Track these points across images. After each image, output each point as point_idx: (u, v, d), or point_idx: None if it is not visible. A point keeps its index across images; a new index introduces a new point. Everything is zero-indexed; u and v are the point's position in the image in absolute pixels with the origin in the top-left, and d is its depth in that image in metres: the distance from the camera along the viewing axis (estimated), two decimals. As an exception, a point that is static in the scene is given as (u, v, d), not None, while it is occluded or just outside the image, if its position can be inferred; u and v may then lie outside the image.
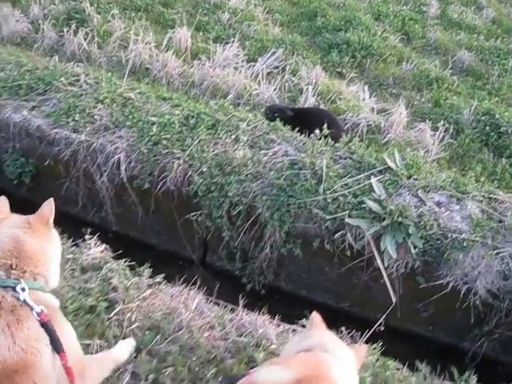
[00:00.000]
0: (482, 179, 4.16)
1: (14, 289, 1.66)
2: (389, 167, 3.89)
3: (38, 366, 1.58)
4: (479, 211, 3.70)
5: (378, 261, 3.42)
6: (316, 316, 2.04)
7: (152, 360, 2.28)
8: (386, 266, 3.50)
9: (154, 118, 4.02)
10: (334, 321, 2.70)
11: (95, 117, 4.08)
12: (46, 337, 1.62)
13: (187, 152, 3.83)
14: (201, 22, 6.08)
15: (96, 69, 4.94)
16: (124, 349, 2.26)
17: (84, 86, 4.38)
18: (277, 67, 5.36)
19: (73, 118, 4.07)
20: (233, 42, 5.62)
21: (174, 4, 6.49)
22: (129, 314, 2.56)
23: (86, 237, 3.05)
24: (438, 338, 3.94)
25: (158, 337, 2.43)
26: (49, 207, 1.92)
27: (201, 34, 5.90)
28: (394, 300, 3.36)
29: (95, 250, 3.01)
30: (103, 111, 4.13)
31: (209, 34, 5.92)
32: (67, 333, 1.77)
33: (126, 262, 2.92)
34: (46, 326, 1.63)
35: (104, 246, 3.05)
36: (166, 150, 3.84)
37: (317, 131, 4.10)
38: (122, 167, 3.87)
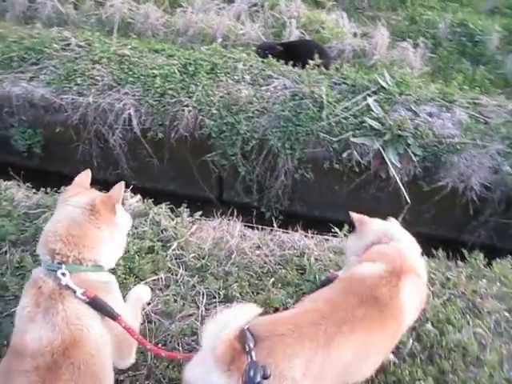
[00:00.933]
0: (465, 87, 4.50)
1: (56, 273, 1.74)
2: (381, 86, 4.19)
3: (87, 340, 1.68)
4: (467, 116, 4.07)
5: (391, 168, 3.77)
6: (356, 214, 2.30)
7: (218, 281, 2.63)
8: (392, 175, 3.89)
9: (154, 71, 4.17)
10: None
11: (96, 78, 4.21)
12: (90, 312, 1.73)
13: (194, 98, 4.03)
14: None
15: (81, 30, 4.96)
16: (143, 295, 2.33)
17: (76, 49, 4.45)
18: (256, 4, 5.45)
19: (75, 82, 4.19)
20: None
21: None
22: (183, 249, 2.88)
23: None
24: (441, 234, 4.41)
25: (215, 262, 2.78)
26: (118, 191, 1.94)
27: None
28: (408, 201, 3.75)
29: (132, 200, 3.27)
30: (103, 71, 4.25)
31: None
32: (117, 301, 1.89)
33: (166, 206, 3.21)
34: (94, 302, 1.74)
35: (138, 196, 3.32)
36: (174, 99, 4.04)
37: (310, 62, 4.34)
38: (134, 122, 4.06)
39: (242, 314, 1.64)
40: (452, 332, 2.43)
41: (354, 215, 2.30)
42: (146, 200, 3.24)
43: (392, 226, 2.23)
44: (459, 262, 3.01)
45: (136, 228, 2.99)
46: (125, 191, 3.26)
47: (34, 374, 1.56)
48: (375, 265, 1.95)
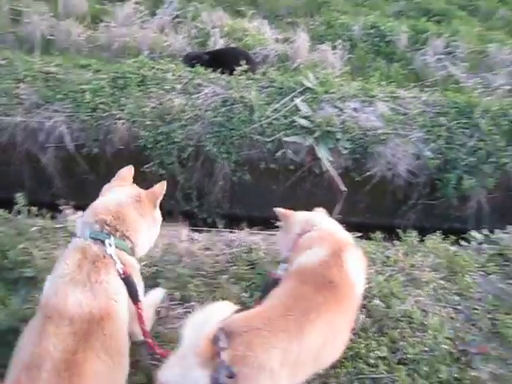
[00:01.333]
0: (383, 83, 4.84)
1: (103, 242, 1.85)
2: (307, 87, 4.41)
3: (119, 313, 1.78)
4: (387, 109, 4.38)
5: (324, 163, 3.98)
6: (280, 209, 2.44)
7: (172, 283, 2.66)
8: (325, 169, 4.10)
9: (83, 86, 4.13)
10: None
11: (22, 96, 4.10)
12: (123, 289, 1.84)
13: (126, 111, 4.04)
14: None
15: (-1, 49, 4.80)
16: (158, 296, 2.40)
17: (-3, 68, 4.31)
18: (178, 16, 5.53)
19: (-1, 101, 4.05)
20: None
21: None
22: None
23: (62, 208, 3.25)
24: (374, 222, 4.68)
25: (168, 267, 2.80)
26: (160, 188, 2.15)
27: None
28: (344, 189, 3.97)
29: (75, 217, 3.21)
30: (28, 90, 4.15)
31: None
32: (141, 289, 2.00)
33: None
34: (127, 280, 1.85)
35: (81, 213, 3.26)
36: (106, 113, 4.02)
37: (237, 68, 4.49)
38: (67, 139, 4.00)
39: (220, 311, 1.72)
40: (397, 304, 2.63)
41: (278, 210, 2.46)
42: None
43: (313, 215, 2.40)
44: (396, 242, 3.25)
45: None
46: (66, 208, 3.27)
47: (70, 338, 1.61)
48: (314, 251, 2.09)
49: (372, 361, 2.36)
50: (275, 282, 2.16)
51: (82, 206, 3.61)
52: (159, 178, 4.22)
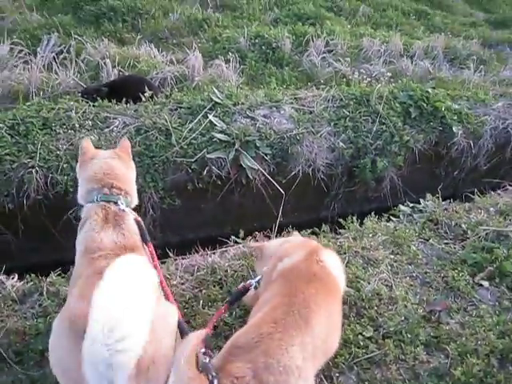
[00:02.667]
0: (280, 88, 5.08)
1: (115, 202, 2.19)
2: (216, 102, 4.47)
3: (140, 247, 2.16)
4: (294, 111, 4.61)
5: (249, 173, 4.08)
6: (254, 244, 2.60)
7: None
8: (252, 178, 4.20)
9: (-20, 139, 3.76)
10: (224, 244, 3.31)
11: None
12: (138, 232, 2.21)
13: (37, 158, 3.76)
14: None
15: None
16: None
17: None
18: (61, 52, 5.28)
19: None
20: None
21: None
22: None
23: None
24: (303, 219, 4.90)
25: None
26: (126, 141, 2.58)
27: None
28: (283, 192, 4.09)
29: (9, 283, 2.94)
30: None
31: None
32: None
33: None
34: (139, 225, 2.23)
35: (15, 276, 3.00)
36: (15, 164, 3.70)
37: (140, 95, 4.41)
38: (-27, 199, 3.61)
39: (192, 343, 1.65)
40: (365, 286, 2.80)
41: (253, 245, 2.61)
42: (27, 276, 2.95)
43: (285, 239, 2.54)
44: (341, 231, 3.45)
45: (33, 308, 2.72)
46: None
47: (114, 257, 1.80)
48: (292, 256, 2.18)
49: (361, 343, 2.49)
50: (246, 290, 2.31)
51: (8, 269, 3.39)
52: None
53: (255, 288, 2.31)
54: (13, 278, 2.97)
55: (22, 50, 5.11)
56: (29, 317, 2.66)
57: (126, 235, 2.11)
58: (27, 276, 2.98)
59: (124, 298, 1.54)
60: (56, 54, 5.18)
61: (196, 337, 1.67)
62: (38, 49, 5.23)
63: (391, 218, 3.78)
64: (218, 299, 2.74)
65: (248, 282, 2.35)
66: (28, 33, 5.53)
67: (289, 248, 2.27)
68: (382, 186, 4.70)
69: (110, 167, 2.31)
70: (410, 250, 3.22)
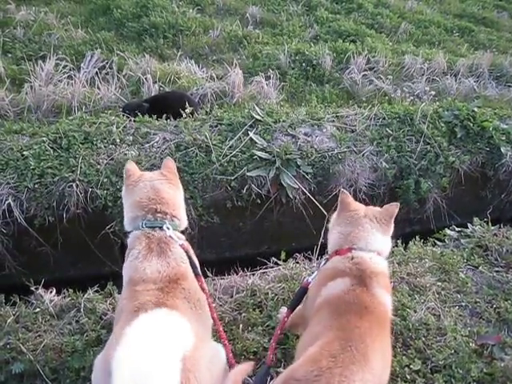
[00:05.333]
0: (321, 105, 5.00)
1: (160, 228, 2.13)
2: (256, 120, 4.43)
3: (189, 273, 2.08)
4: (336, 129, 4.52)
5: (289, 191, 4.01)
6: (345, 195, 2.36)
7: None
8: (292, 197, 4.11)
9: (24, 152, 3.82)
10: (263, 264, 3.22)
11: (-45, 174, 3.70)
12: (187, 259, 2.11)
13: (78, 172, 3.79)
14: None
15: None
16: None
17: None
18: (104, 67, 5.36)
19: None
20: (44, 55, 5.40)
21: None
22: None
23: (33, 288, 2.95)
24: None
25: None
26: (170, 161, 2.43)
27: (5, 56, 5.48)
28: (325, 213, 3.97)
29: (48, 296, 2.93)
30: (-39, 166, 3.75)
31: (13, 55, 5.54)
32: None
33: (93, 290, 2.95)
34: (188, 253, 2.14)
35: (53, 290, 3.00)
36: (56, 178, 3.74)
37: (181, 111, 4.41)
38: (15, 212, 3.65)
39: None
40: (411, 314, 2.66)
41: (343, 193, 2.41)
42: (65, 291, 2.95)
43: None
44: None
45: (70, 324, 2.70)
46: (36, 288, 2.96)
47: (157, 292, 1.89)
48: (337, 280, 2.07)
49: (408, 376, 2.36)
50: (305, 291, 2.25)
51: (46, 282, 3.39)
52: (124, 235, 4.00)
53: None
54: (51, 292, 2.96)
55: (66, 66, 5.21)
56: (65, 333, 2.64)
57: (171, 264, 2.04)
58: (65, 291, 2.97)
59: (144, 363, 1.55)
60: (98, 70, 5.25)
61: (235, 374, 1.66)
62: (82, 64, 5.33)
63: (436, 242, 3.62)
64: (257, 323, 2.65)
65: (305, 279, 2.31)
66: (73, 49, 5.65)
67: (335, 270, 2.12)
68: (425, 207, 4.53)
69: (155, 191, 2.23)
70: (458, 277, 3.06)
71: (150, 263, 2.02)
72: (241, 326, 2.60)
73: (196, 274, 2.12)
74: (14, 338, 2.53)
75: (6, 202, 3.64)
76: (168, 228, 2.14)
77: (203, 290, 2.11)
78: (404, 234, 4.19)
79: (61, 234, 3.86)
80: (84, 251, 4.02)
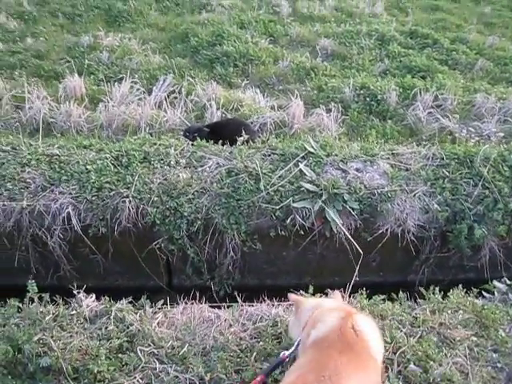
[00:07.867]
0: (380, 141, 4.94)
1: None
2: (309, 152, 4.47)
3: None
4: (389, 166, 4.43)
5: (333, 226, 3.98)
6: (293, 296, 2.53)
7: (199, 366, 2.55)
8: (336, 232, 4.08)
9: (88, 167, 4.14)
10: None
11: (28, 180, 4.09)
12: None
13: (132, 188, 4.04)
14: (83, 65, 6.19)
15: (1, 135, 4.85)
16: None
17: (1, 154, 4.32)
18: (173, 91, 5.68)
19: (5, 187, 4.02)
20: (122, 78, 5.83)
21: (48, 54, 6.50)
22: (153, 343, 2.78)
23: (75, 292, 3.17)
24: (389, 280, 4.63)
25: (191, 348, 2.70)
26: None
27: (89, 77, 6.00)
28: (360, 251, 3.91)
29: (87, 301, 3.13)
30: (33, 173, 4.13)
31: (96, 76, 6.05)
32: None
33: (127, 301, 3.10)
34: None
35: (93, 295, 3.19)
36: (112, 192, 4.01)
37: (239, 139, 4.56)
38: (74, 220, 3.95)
39: None
40: (434, 367, 2.53)
41: (291, 296, 2.53)
42: (103, 298, 3.13)
43: (322, 299, 2.57)
44: (420, 301, 3.18)
45: (100, 329, 2.86)
46: (78, 292, 3.17)
47: None
48: (326, 322, 2.16)
49: None
50: (281, 362, 2.35)
51: (92, 288, 3.61)
52: (169, 252, 4.18)
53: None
54: (91, 298, 3.16)
55: (139, 89, 5.61)
56: (94, 337, 2.80)
57: None
58: (102, 298, 3.15)
59: None
60: (168, 94, 5.58)
61: None
62: (154, 87, 5.70)
63: (483, 293, 3.41)
64: (273, 354, 2.66)
65: (282, 353, 2.38)
66: (148, 73, 6.06)
67: (323, 313, 2.23)
68: (479, 255, 4.28)
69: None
70: (497, 334, 2.85)
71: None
72: (255, 354, 2.61)
73: None
74: (48, 335, 2.72)
75: (66, 211, 3.96)
76: None
77: None
78: (456, 280, 4.00)
79: (112, 245, 4.12)
80: (132, 263, 4.25)
